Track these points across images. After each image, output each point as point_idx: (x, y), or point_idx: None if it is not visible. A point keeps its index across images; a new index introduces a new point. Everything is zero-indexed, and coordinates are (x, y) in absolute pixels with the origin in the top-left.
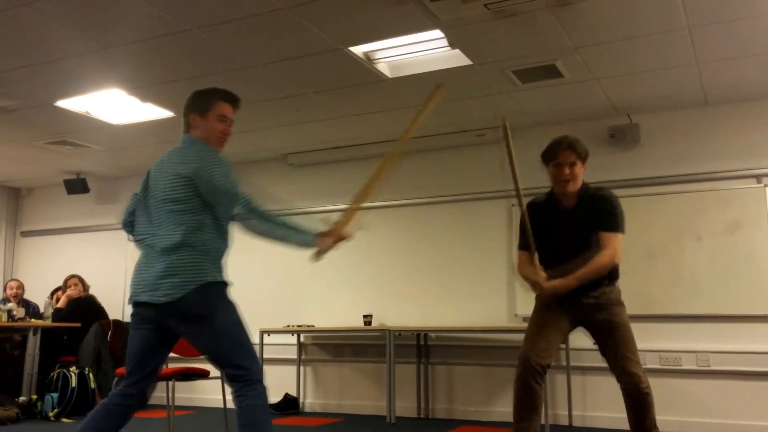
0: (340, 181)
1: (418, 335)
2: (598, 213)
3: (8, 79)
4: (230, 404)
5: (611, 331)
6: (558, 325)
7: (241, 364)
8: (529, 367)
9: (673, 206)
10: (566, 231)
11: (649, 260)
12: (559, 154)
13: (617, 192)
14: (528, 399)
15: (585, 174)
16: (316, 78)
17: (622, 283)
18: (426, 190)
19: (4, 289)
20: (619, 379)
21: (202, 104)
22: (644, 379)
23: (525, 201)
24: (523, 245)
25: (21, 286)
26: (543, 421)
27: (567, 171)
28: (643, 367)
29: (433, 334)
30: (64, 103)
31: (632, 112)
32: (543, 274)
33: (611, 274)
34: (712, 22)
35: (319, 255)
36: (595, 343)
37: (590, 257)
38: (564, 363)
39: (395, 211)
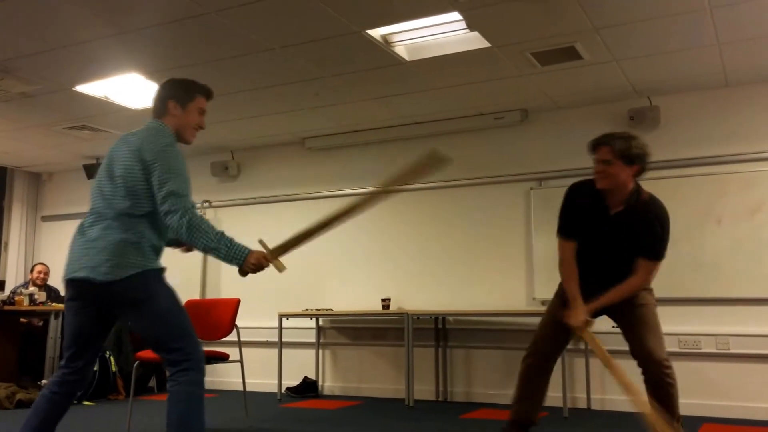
0: (358, 164)
1: (437, 319)
2: (645, 231)
3: (27, 63)
4: (250, 387)
5: (636, 315)
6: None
7: (179, 349)
8: (536, 362)
9: (694, 189)
10: (608, 237)
11: (669, 243)
12: (594, 148)
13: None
14: (529, 385)
15: None
16: (335, 61)
17: None
18: (444, 174)
19: (31, 272)
20: (641, 366)
21: (184, 95)
22: (668, 365)
23: None
24: (568, 232)
25: (48, 272)
26: (561, 405)
27: (599, 168)
28: None
29: (451, 318)
30: (82, 88)
31: (652, 94)
32: (581, 309)
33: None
34: (733, 2)
35: (244, 273)
36: (615, 327)
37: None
38: (582, 346)
39: (414, 195)
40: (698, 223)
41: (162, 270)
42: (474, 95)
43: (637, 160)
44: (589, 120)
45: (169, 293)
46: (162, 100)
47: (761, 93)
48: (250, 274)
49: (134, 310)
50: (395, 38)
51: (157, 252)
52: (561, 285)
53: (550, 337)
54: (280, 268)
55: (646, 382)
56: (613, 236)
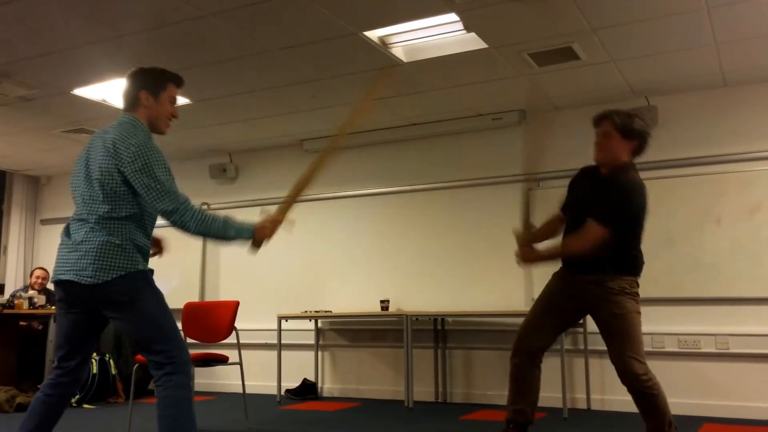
0: (356, 166)
1: (435, 320)
2: (601, 194)
3: (25, 67)
4: (249, 390)
5: (614, 326)
6: (561, 310)
7: (163, 351)
8: (523, 353)
9: (693, 189)
10: (585, 200)
11: (668, 243)
12: (598, 122)
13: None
14: (521, 383)
15: None
16: (332, 63)
17: None
18: (442, 175)
19: (30, 277)
20: (620, 378)
21: (156, 84)
22: (646, 378)
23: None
24: (561, 205)
25: (47, 276)
26: (561, 405)
27: (598, 139)
28: (663, 350)
29: (450, 319)
30: (80, 91)
31: (650, 94)
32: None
33: (619, 266)
34: (730, 2)
35: (256, 245)
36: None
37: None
38: (582, 347)
39: (412, 195)
40: (697, 223)
41: (148, 272)
42: (472, 96)
43: (636, 135)
44: (587, 121)
45: (155, 295)
46: (133, 91)
47: (759, 92)
48: (260, 246)
49: (119, 311)
50: (392, 40)
51: (143, 253)
52: (546, 285)
53: (538, 332)
54: (290, 224)
55: (630, 392)
56: (589, 197)
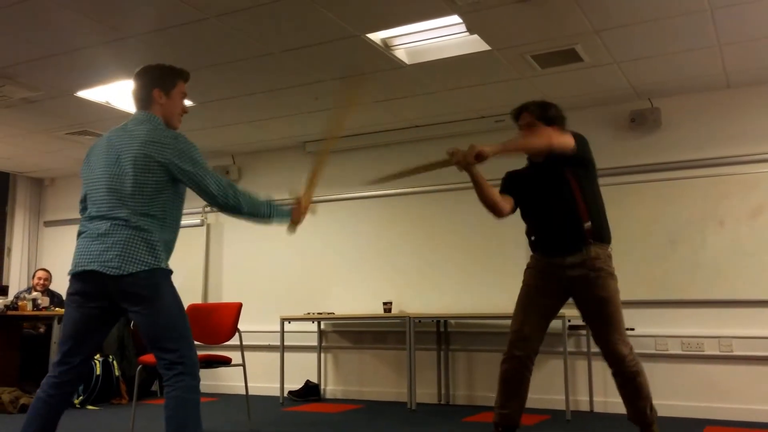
0: (358, 168)
1: (438, 322)
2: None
3: (28, 69)
4: (252, 391)
5: (598, 309)
6: (544, 306)
7: (175, 351)
8: (515, 358)
9: (695, 191)
10: (538, 185)
11: (671, 245)
12: (516, 116)
13: (638, 177)
14: (511, 387)
15: (606, 157)
16: (335, 65)
17: (644, 269)
18: (445, 177)
19: (33, 278)
20: (605, 359)
21: (168, 81)
22: (631, 359)
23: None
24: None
25: (49, 277)
26: (564, 407)
27: (523, 132)
28: (667, 352)
29: (452, 321)
30: (84, 94)
31: (653, 95)
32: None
33: (599, 233)
34: (734, 3)
35: (294, 225)
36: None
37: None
38: (584, 349)
39: (414, 197)
40: (700, 225)
41: (170, 272)
42: (474, 98)
43: (555, 120)
44: (590, 122)
45: (174, 295)
46: (145, 89)
47: (763, 94)
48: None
49: (139, 305)
50: (395, 42)
51: (168, 252)
52: (523, 280)
53: (527, 336)
54: (314, 210)
55: (613, 375)
56: (539, 185)
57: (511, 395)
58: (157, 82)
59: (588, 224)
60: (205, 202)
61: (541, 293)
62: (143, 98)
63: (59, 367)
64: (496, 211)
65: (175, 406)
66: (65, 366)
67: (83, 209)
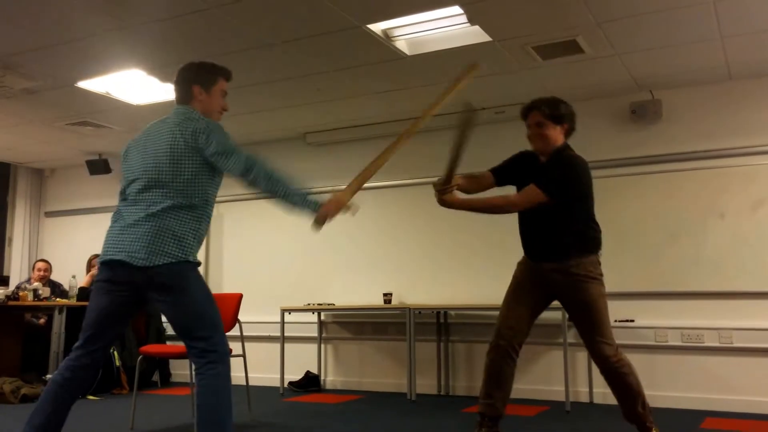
0: (359, 159)
1: (438, 313)
2: (545, 172)
3: (29, 59)
4: (252, 382)
5: (581, 313)
6: (531, 301)
7: (207, 338)
8: (500, 348)
9: (696, 183)
10: (527, 179)
11: (671, 237)
12: (526, 114)
13: (638, 169)
14: (496, 378)
15: (606, 149)
16: (336, 56)
17: (644, 261)
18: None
19: (32, 269)
20: (593, 359)
21: (208, 78)
22: (616, 359)
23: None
24: (496, 168)
25: (48, 268)
26: (564, 399)
27: (531, 131)
28: (667, 344)
29: (452, 312)
30: (84, 84)
31: (654, 87)
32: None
33: (581, 247)
34: None
35: (320, 223)
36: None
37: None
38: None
39: (415, 189)
40: (701, 217)
41: (197, 263)
42: (475, 89)
43: (565, 118)
44: (591, 114)
45: (203, 285)
46: (186, 85)
47: (765, 87)
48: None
49: (167, 295)
50: (396, 33)
51: (198, 244)
52: (514, 275)
53: (514, 327)
54: (354, 210)
55: (602, 373)
56: (528, 178)
57: (494, 385)
58: (198, 78)
59: (569, 239)
60: None
61: (528, 289)
62: (183, 93)
63: (78, 350)
64: (478, 188)
65: (207, 393)
66: (84, 350)
67: (123, 200)
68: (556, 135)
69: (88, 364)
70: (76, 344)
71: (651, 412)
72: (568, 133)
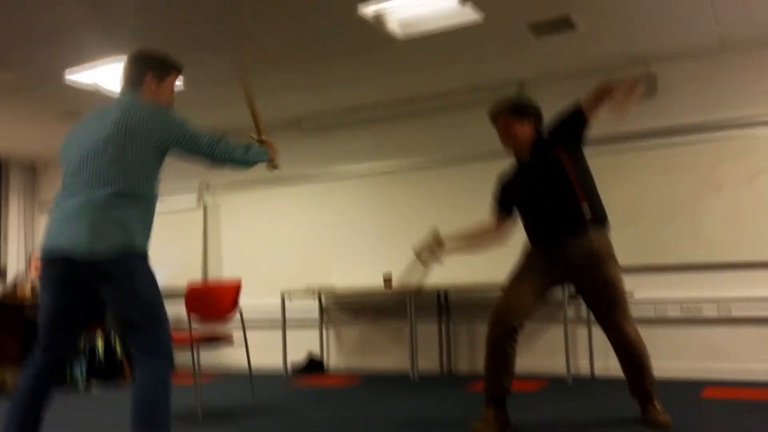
0: (354, 143)
1: (439, 294)
2: (554, 130)
3: (15, 52)
4: (255, 368)
5: (603, 293)
6: (537, 286)
7: (151, 335)
8: (502, 329)
9: (693, 156)
10: (530, 183)
11: (669, 210)
12: (493, 120)
13: (636, 144)
14: (498, 360)
15: (603, 124)
16: (328, 40)
17: (642, 235)
18: (443, 150)
19: (29, 264)
20: (607, 334)
21: (162, 69)
22: (638, 340)
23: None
24: (497, 211)
25: None
26: (565, 373)
27: (502, 135)
28: (666, 316)
29: (453, 293)
30: (72, 77)
31: (649, 61)
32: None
33: (594, 214)
34: None
35: (273, 162)
36: (577, 294)
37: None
38: (584, 315)
39: (413, 171)
40: (699, 189)
41: (146, 253)
42: (469, 70)
43: (531, 111)
44: (586, 90)
45: (151, 277)
46: (138, 72)
47: (758, 57)
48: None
49: (111, 285)
50: (387, 14)
51: (144, 232)
52: (521, 256)
53: (515, 309)
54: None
55: (618, 356)
56: (531, 181)
57: (498, 365)
58: (152, 67)
59: (586, 204)
60: (199, 180)
61: (535, 274)
62: (134, 79)
63: (39, 357)
64: (496, 241)
65: (146, 390)
66: (45, 356)
67: (63, 189)
68: (527, 131)
69: (53, 370)
70: (34, 352)
71: (656, 387)
72: (539, 124)
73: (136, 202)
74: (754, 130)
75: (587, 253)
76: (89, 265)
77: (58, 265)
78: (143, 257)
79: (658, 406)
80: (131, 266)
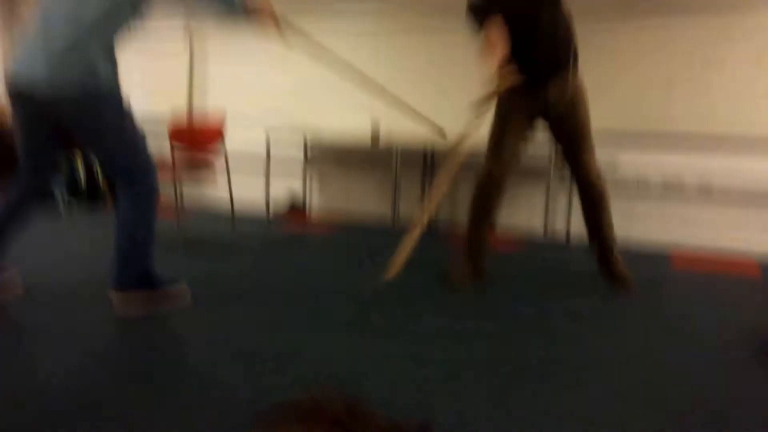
0: None
1: (425, 153)
2: None
3: None
4: (237, 207)
5: (577, 131)
6: (520, 130)
7: (128, 166)
8: (492, 178)
9: (696, 32)
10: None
11: (668, 85)
12: None
13: (639, 22)
14: (485, 208)
15: None
16: None
17: (635, 99)
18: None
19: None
20: (572, 172)
21: None
22: (598, 172)
23: None
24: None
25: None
26: (542, 233)
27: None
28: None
29: (440, 152)
30: None
31: None
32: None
33: (575, 55)
34: None
35: (269, 28)
36: (549, 132)
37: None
38: (566, 179)
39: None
40: (700, 64)
41: (119, 86)
42: None
43: None
44: None
45: (123, 108)
46: None
47: None
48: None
49: (80, 126)
50: None
51: (113, 70)
52: (498, 102)
53: (503, 147)
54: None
55: (579, 189)
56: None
57: (482, 215)
58: None
59: (567, 48)
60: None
61: (516, 117)
62: None
63: (21, 178)
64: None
65: (129, 208)
66: (26, 177)
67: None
68: None
69: (34, 190)
70: (17, 172)
71: (616, 242)
72: None
73: (111, 37)
74: (762, 9)
75: (566, 92)
76: (51, 104)
77: (23, 99)
78: (114, 89)
79: (618, 257)
80: (102, 99)
